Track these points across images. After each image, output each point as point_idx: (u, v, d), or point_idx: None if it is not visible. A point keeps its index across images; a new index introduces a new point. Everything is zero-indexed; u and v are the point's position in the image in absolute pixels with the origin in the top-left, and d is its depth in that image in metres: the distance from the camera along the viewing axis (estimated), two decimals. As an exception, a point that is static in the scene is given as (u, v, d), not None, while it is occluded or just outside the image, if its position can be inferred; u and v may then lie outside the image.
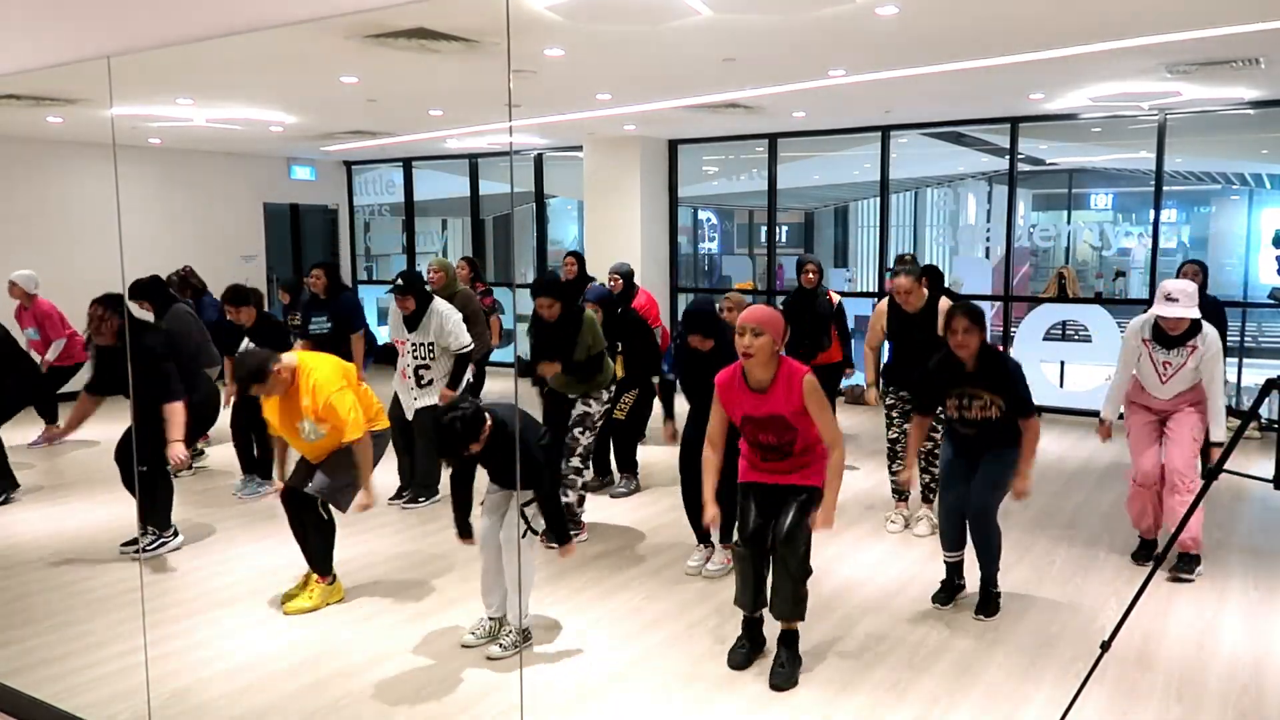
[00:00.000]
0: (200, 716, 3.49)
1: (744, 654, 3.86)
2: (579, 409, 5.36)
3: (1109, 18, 4.87)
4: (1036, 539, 5.25)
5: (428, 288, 5.97)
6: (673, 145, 10.61)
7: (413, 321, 5.79)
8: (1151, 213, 8.65)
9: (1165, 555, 3.04)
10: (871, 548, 5.01)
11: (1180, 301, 4.52)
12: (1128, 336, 4.92)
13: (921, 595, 4.52)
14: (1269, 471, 3.06)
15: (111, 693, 3.64)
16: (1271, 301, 8.90)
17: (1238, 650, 3.94)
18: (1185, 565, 4.74)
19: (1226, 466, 3.02)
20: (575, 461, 5.32)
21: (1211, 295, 6.67)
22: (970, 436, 4.29)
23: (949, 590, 4.47)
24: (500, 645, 3.94)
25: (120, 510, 5.86)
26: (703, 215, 15.54)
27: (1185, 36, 5.28)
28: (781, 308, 6.13)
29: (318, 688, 3.65)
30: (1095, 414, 7.72)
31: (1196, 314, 4.57)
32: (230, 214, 10.57)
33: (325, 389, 4.22)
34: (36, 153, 8.10)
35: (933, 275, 6.44)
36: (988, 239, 9.36)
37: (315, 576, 4.45)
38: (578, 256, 7.68)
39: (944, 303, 5.26)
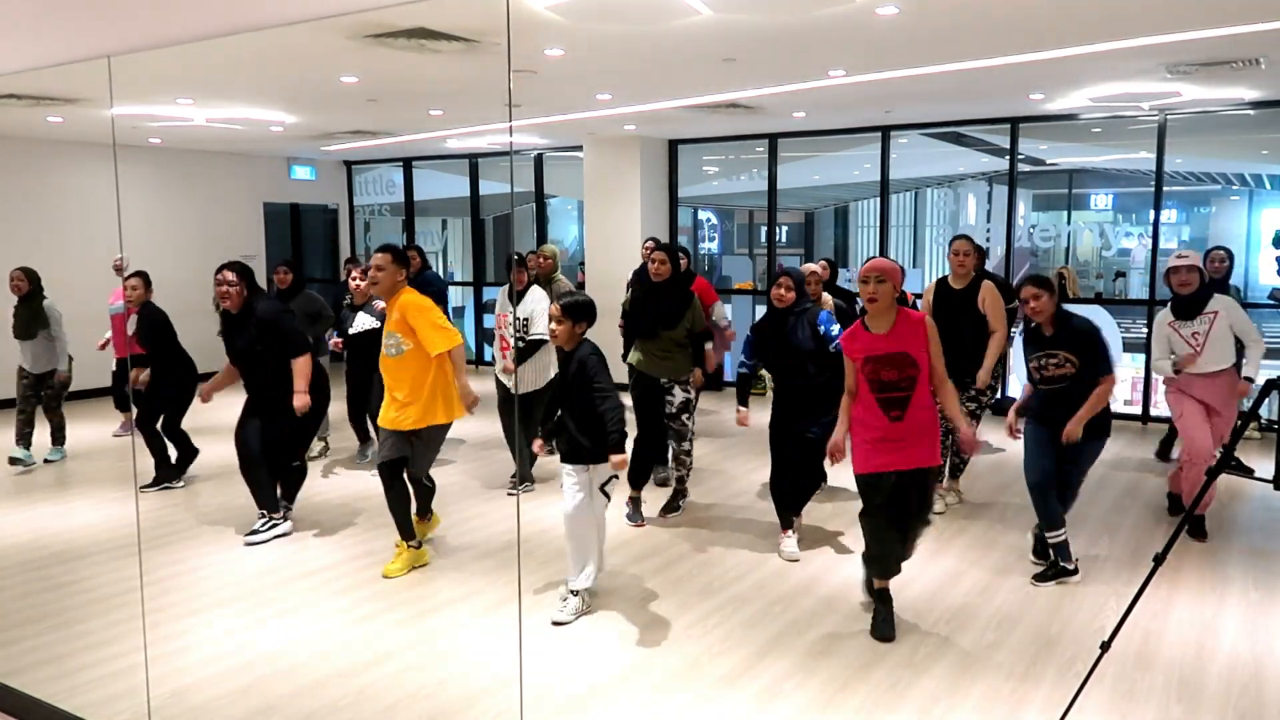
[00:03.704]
0: (200, 716, 3.49)
1: (888, 623, 4.12)
2: (679, 396, 5.66)
3: (1109, 18, 4.87)
4: (1036, 539, 5.25)
5: (533, 272, 6.45)
6: (673, 145, 10.61)
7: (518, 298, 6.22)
8: (1151, 213, 8.65)
9: (1165, 556, 3.04)
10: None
11: (1188, 258, 5.21)
12: (1156, 326, 5.43)
13: (921, 595, 4.52)
14: (1269, 471, 3.07)
15: (111, 693, 3.64)
16: (1271, 302, 8.90)
17: (1238, 650, 3.94)
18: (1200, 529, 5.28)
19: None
20: (686, 445, 5.76)
21: (1235, 285, 7.10)
22: (1052, 395, 4.58)
23: (1052, 567, 4.73)
24: (561, 611, 4.27)
25: (120, 510, 5.87)
26: (703, 215, 15.53)
27: (1185, 36, 5.28)
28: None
29: (317, 688, 3.65)
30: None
31: (1199, 263, 5.20)
32: (230, 214, 10.57)
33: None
34: (36, 153, 8.10)
35: (979, 255, 6.57)
36: (988, 239, 9.33)
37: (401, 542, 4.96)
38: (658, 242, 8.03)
39: (986, 284, 5.59)
